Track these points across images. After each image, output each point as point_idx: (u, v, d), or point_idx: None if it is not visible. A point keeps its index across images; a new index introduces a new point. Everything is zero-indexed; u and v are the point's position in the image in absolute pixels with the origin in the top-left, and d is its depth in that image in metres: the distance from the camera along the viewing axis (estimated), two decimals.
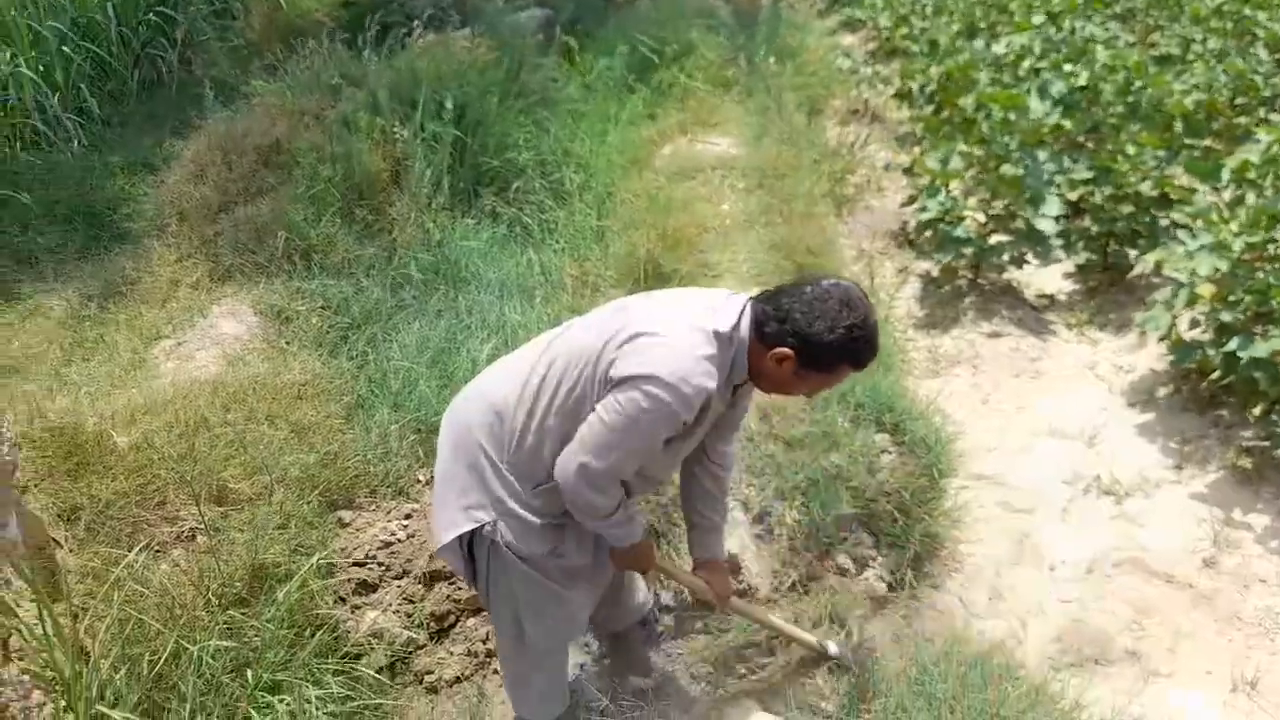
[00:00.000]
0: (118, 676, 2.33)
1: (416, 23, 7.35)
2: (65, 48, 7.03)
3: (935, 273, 4.88)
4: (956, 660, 2.51)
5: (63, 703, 2.25)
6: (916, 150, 5.59)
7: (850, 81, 6.79)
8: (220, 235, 4.61)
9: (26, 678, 2.24)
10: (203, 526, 2.85)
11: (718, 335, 1.96)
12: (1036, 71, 5.64)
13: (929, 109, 5.70)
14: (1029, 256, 4.75)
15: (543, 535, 2.13)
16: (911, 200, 5.12)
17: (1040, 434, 3.89)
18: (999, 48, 6.10)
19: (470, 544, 2.20)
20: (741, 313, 2.01)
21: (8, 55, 6.63)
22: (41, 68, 6.82)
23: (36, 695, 2.26)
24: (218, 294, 4.30)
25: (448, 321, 4.06)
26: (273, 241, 4.50)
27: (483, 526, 2.13)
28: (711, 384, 1.92)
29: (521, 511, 2.11)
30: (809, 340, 1.93)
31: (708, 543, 2.49)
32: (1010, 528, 3.43)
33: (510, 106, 5.97)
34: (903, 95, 6.23)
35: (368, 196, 4.97)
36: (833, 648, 2.78)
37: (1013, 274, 4.84)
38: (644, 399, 1.90)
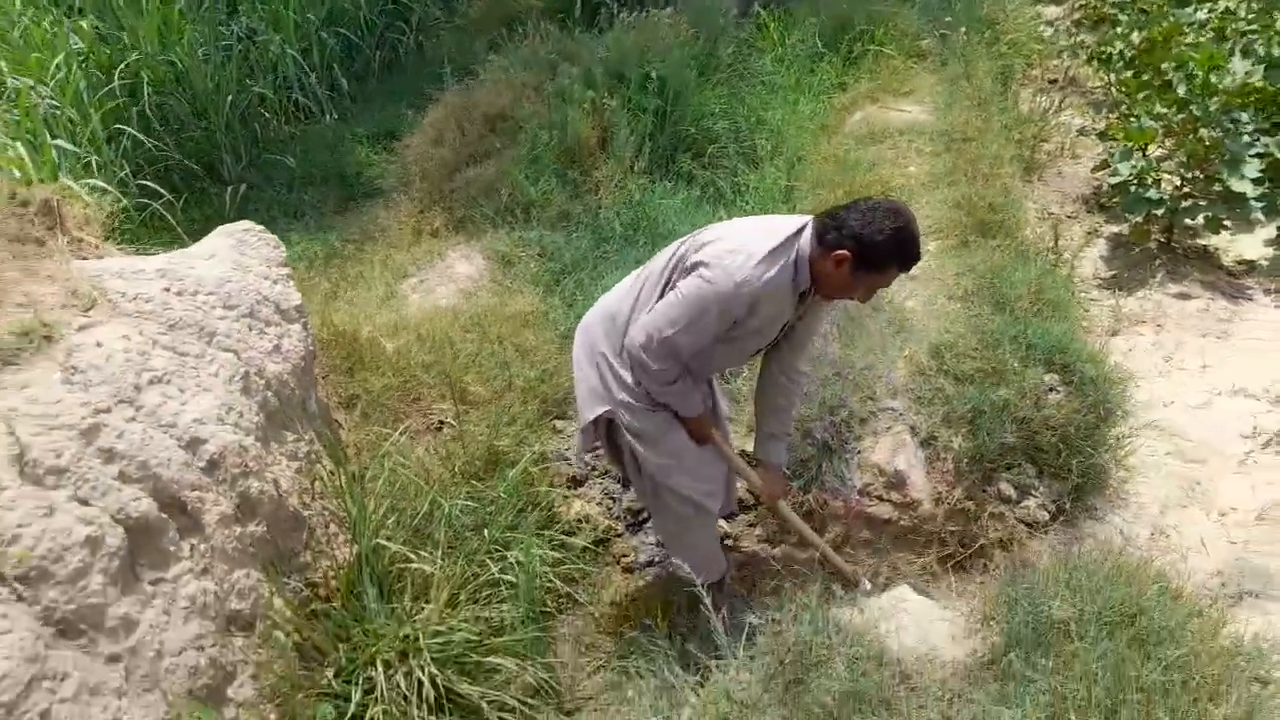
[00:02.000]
0: (389, 521, 2.92)
1: (621, 4, 7.88)
2: (322, 33, 8.04)
3: (1125, 234, 4.88)
4: (1108, 566, 2.71)
5: (350, 535, 2.88)
6: (1112, 116, 5.55)
7: (1049, 51, 6.74)
8: (455, 191, 5.30)
9: (326, 512, 2.88)
10: (449, 420, 3.45)
11: (779, 240, 2.37)
12: (1243, 34, 5.45)
13: (1128, 73, 5.62)
14: (1226, 221, 4.68)
15: (649, 413, 2.64)
16: (1104, 165, 5.12)
17: (1223, 391, 3.91)
18: (1203, 13, 5.92)
19: (609, 430, 2.76)
20: (803, 227, 2.42)
21: (278, 39, 7.66)
22: (302, 50, 7.84)
23: (333, 527, 2.90)
24: (453, 241, 4.98)
25: None
26: (498, 197, 5.14)
27: (608, 412, 2.66)
28: (763, 276, 2.32)
29: (629, 399, 2.62)
30: (862, 241, 2.30)
31: (769, 448, 2.89)
32: (1180, 474, 3.52)
33: (708, 79, 6.37)
34: (1102, 60, 6.13)
35: (579, 160, 5.52)
36: (865, 585, 3.02)
37: (1209, 239, 4.78)
38: (699, 281, 2.36)
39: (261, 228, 3.24)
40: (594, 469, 3.59)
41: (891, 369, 3.52)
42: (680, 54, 6.33)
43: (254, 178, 6.68)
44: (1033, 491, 3.31)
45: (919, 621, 2.82)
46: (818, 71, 6.35)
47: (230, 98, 6.93)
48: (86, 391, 2.28)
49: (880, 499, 3.29)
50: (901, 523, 3.27)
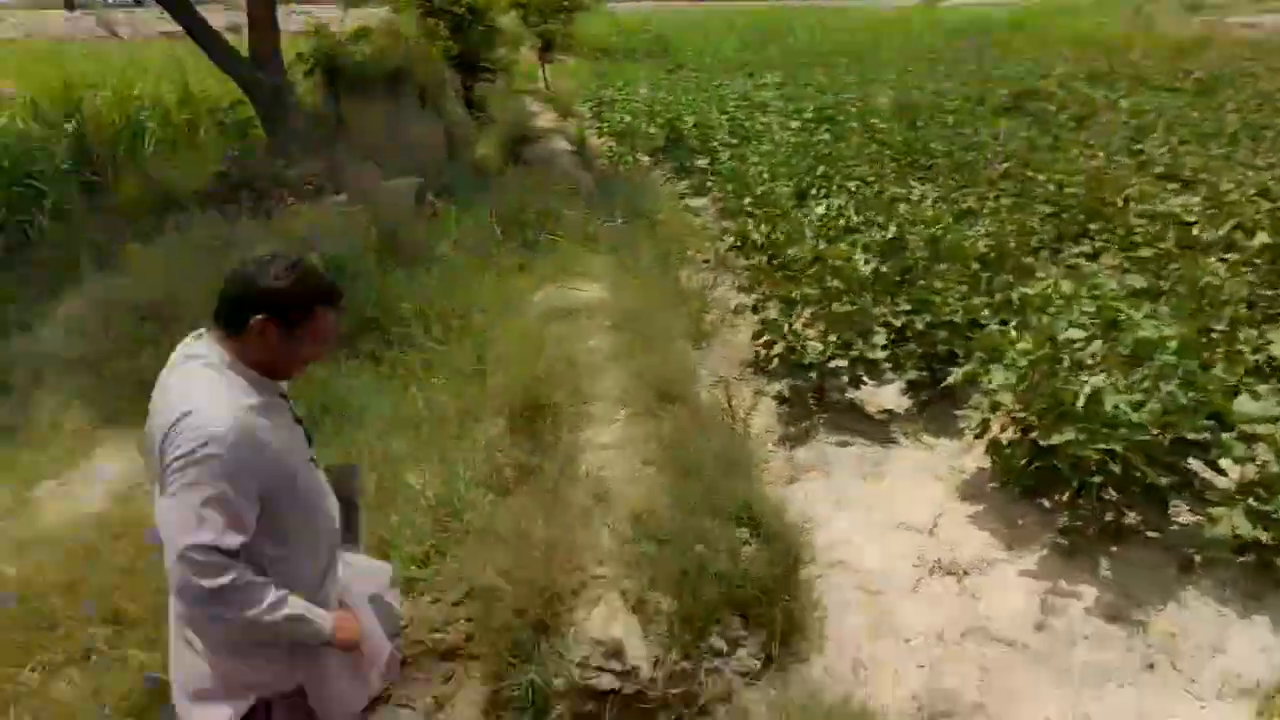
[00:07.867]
0: None
1: (289, 191, 7.73)
2: None
3: (786, 394, 5.40)
4: (814, 710, 2.78)
5: None
6: (757, 294, 6.28)
7: (702, 235, 7.56)
8: (104, 385, 4.68)
9: None
10: (100, 646, 2.88)
11: (199, 372, 1.98)
12: (852, 229, 6.58)
13: (763, 259, 6.48)
14: (865, 378, 5.35)
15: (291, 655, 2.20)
16: (759, 334, 5.71)
17: (889, 527, 4.32)
18: (820, 209, 7.09)
19: None
20: (205, 349, 2.04)
21: None
22: None
23: None
24: (100, 438, 4.35)
25: (335, 452, 4.22)
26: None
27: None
28: (225, 408, 1.91)
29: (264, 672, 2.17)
30: (268, 297, 2.00)
31: None
32: (868, 606, 3.78)
33: (384, 264, 6.35)
34: (741, 248, 7.02)
35: None
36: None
37: (854, 393, 5.42)
38: (189, 466, 1.88)
39: None
40: None
41: (596, 538, 3.50)
42: (356, 239, 6.29)
43: None
44: (742, 643, 3.38)
45: None
46: (497, 254, 6.57)
47: None
48: None
49: (600, 669, 3.17)
50: (624, 691, 3.16)
